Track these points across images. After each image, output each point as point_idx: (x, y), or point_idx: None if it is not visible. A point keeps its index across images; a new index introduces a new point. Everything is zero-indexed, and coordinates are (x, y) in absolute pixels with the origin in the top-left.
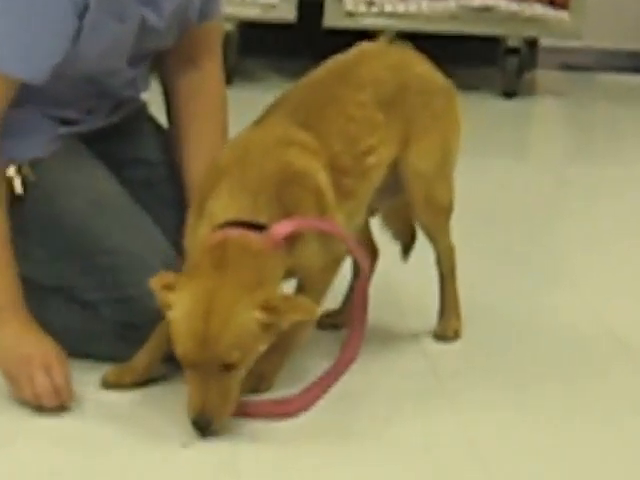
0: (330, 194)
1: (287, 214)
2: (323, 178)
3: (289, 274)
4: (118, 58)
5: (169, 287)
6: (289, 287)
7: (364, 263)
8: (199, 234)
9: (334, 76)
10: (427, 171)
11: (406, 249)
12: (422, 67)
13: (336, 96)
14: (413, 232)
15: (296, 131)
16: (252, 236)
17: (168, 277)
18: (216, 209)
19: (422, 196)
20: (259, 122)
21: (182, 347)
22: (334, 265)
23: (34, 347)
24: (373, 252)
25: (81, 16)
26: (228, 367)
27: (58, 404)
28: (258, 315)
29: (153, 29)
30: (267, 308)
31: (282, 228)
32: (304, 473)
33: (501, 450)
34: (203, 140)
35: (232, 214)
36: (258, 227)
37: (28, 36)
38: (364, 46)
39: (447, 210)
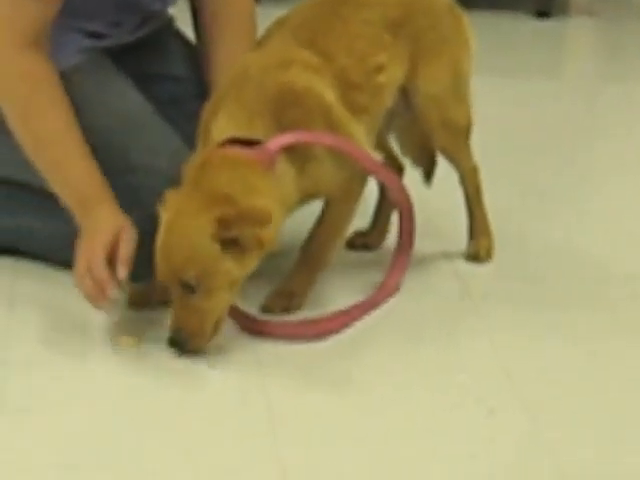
0: (339, 111)
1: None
2: (329, 95)
3: (309, 196)
4: None
5: (163, 203)
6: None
7: (387, 180)
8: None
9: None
10: (439, 94)
11: (427, 174)
12: None
13: (341, 15)
14: (432, 156)
15: (298, 50)
16: (240, 151)
17: (168, 193)
18: (214, 130)
19: (437, 119)
20: (260, 43)
21: (155, 264)
22: (355, 184)
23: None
24: (398, 169)
25: None
26: (188, 287)
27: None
28: (210, 229)
29: None
30: (221, 221)
31: (277, 141)
32: (331, 395)
33: (534, 372)
34: (231, 54)
35: (228, 134)
36: (254, 144)
37: None
38: None
39: (465, 131)
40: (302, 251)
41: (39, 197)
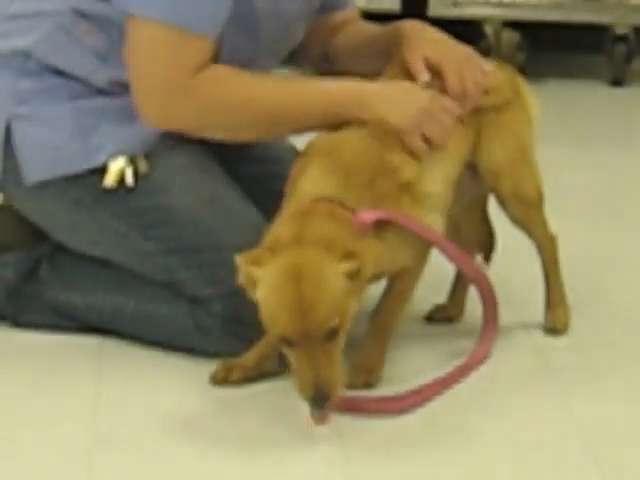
0: (420, 191)
1: (376, 203)
2: (414, 173)
3: (381, 272)
4: (254, 41)
5: (256, 262)
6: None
7: (461, 265)
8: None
9: None
10: (502, 165)
11: (487, 254)
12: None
13: None
14: (492, 236)
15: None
16: (339, 210)
17: (255, 252)
18: (306, 186)
19: (505, 191)
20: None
21: (281, 324)
22: (421, 258)
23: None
24: (487, 242)
25: None
26: (332, 333)
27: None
28: (343, 267)
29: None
30: (347, 256)
31: (369, 214)
32: (416, 469)
33: (615, 446)
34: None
35: (322, 191)
36: (347, 209)
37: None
38: None
39: (536, 202)
40: (372, 324)
41: (126, 276)
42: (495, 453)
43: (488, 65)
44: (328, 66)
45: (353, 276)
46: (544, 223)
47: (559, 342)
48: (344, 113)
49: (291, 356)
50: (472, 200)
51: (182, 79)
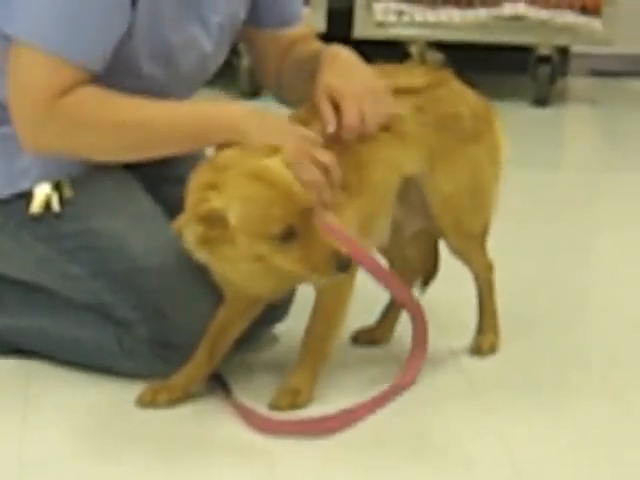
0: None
1: None
2: None
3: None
4: (172, 72)
5: (213, 187)
6: None
7: (390, 288)
8: None
9: None
10: (454, 195)
11: (427, 280)
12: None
13: None
14: (436, 264)
15: None
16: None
17: (201, 194)
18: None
19: (448, 223)
20: None
21: (280, 216)
22: (346, 286)
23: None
24: (429, 270)
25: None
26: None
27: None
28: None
29: (202, 49)
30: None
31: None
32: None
33: (540, 465)
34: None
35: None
36: None
37: (82, 23)
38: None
39: (478, 236)
40: (303, 347)
41: (53, 299)
42: (426, 470)
43: (390, 99)
44: (283, 94)
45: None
46: (483, 254)
47: (485, 364)
48: (215, 138)
49: (294, 251)
50: (424, 227)
51: (48, 101)
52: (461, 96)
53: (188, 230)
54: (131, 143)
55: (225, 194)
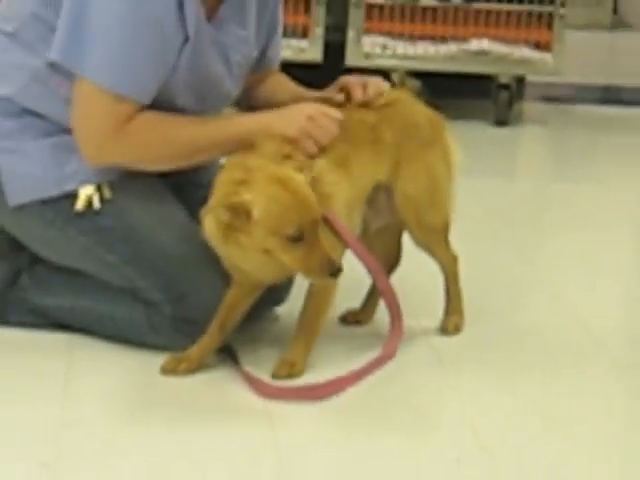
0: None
1: None
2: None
3: None
4: (196, 98)
5: (243, 184)
6: None
7: (369, 266)
8: None
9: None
10: (415, 195)
11: (390, 269)
12: (410, 106)
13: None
14: (398, 256)
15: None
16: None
17: (231, 189)
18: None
19: (412, 219)
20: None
21: (296, 218)
22: None
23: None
24: (392, 260)
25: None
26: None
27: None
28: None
29: (225, 85)
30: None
31: (331, 215)
32: (336, 447)
33: (496, 428)
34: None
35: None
36: None
37: (144, 61)
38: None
39: (440, 230)
40: (298, 325)
41: (92, 283)
42: (399, 430)
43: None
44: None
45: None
46: (446, 246)
47: (452, 341)
48: (251, 138)
49: (298, 252)
50: (389, 223)
51: (115, 128)
52: (416, 108)
53: (213, 216)
54: (181, 154)
55: (253, 191)
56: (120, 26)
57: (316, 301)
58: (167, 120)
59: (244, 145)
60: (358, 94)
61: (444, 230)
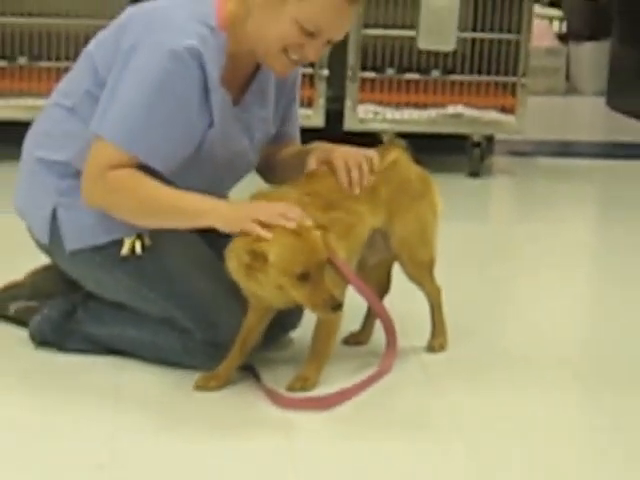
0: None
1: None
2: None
3: None
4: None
5: (259, 240)
6: None
7: (368, 298)
8: None
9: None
10: (408, 237)
11: (381, 297)
12: (402, 164)
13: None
14: (388, 285)
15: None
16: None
17: (251, 239)
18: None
19: (406, 257)
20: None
21: (304, 262)
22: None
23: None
24: (384, 289)
25: (205, 130)
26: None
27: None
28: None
29: (248, 156)
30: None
31: (339, 262)
32: (337, 445)
33: (481, 431)
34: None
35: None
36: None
37: (151, 130)
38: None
39: (427, 266)
40: (311, 348)
41: (137, 315)
42: (394, 434)
43: (370, 152)
44: (267, 175)
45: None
46: (432, 279)
47: (437, 358)
48: (204, 222)
49: (305, 289)
50: (383, 258)
51: (102, 171)
52: (409, 166)
53: (236, 256)
54: (146, 212)
55: (270, 239)
56: (142, 100)
57: (325, 327)
58: (144, 178)
59: (198, 222)
60: (343, 180)
61: (430, 266)
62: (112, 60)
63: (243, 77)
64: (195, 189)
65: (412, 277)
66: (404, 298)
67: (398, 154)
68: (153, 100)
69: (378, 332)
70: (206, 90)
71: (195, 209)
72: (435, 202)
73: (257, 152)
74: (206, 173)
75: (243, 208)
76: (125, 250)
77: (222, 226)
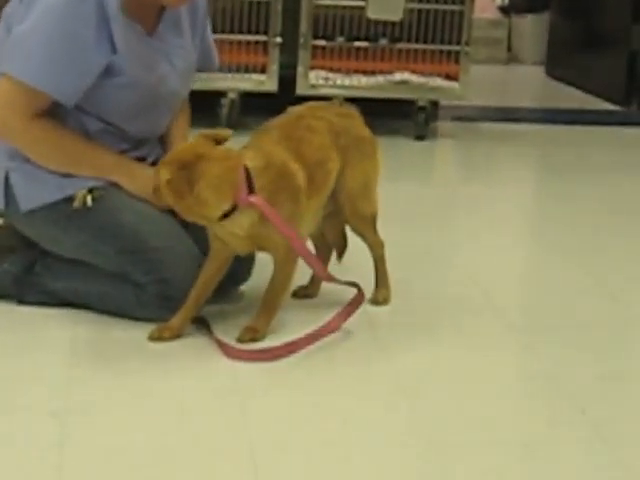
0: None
1: (272, 196)
2: (302, 182)
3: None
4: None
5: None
6: None
7: (313, 265)
8: None
9: (298, 120)
10: (354, 191)
11: (340, 254)
12: (358, 122)
13: (304, 138)
14: (345, 242)
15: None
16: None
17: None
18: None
19: (349, 210)
20: (251, 143)
21: None
22: (292, 255)
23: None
24: (342, 245)
25: (107, 57)
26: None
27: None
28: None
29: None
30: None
31: (255, 199)
32: (285, 393)
33: (418, 376)
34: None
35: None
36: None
37: (62, 65)
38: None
39: (370, 218)
40: (262, 300)
41: (91, 269)
42: (336, 380)
43: None
44: None
45: None
46: (375, 233)
47: (381, 310)
48: (108, 178)
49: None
50: (333, 213)
51: (26, 116)
52: (363, 126)
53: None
54: (64, 163)
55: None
56: (43, 38)
57: (278, 280)
58: (65, 131)
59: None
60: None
61: (373, 219)
62: (19, 10)
63: (152, 10)
64: (135, 118)
65: (355, 229)
66: (349, 253)
67: (355, 112)
68: (52, 38)
69: (327, 287)
70: (105, 19)
71: (104, 165)
72: (379, 165)
73: (184, 79)
74: (136, 99)
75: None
76: (77, 203)
77: (128, 187)
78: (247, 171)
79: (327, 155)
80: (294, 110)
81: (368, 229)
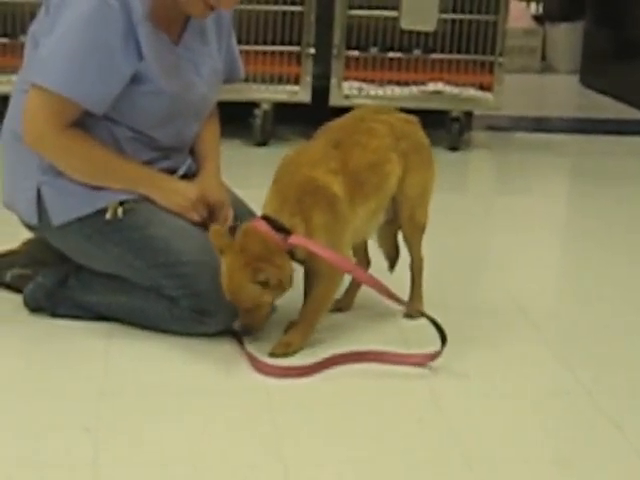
0: (343, 204)
1: (304, 214)
2: (339, 190)
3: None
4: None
5: (220, 250)
6: None
7: (362, 278)
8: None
9: (360, 122)
10: (413, 197)
11: (392, 264)
12: (419, 129)
13: (359, 142)
14: (397, 251)
15: (328, 157)
16: (271, 232)
17: (222, 241)
18: (265, 204)
19: (406, 216)
20: (305, 146)
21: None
22: (335, 277)
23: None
24: (367, 262)
25: (134, 65)
26: (250, 308)
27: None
28: (256, 284)
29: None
30: (255, 270)
31: (298, 239)
32: (317, 405)
33: (453, 395)
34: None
35: (268, 211)
36: (283, 228)
37: (91, 74)
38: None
39: (422, 227)
40: (300, 314)
41: (125, 283)
42: (370, 395)
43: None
44: None
45: (264, 285)
46: (420, 248)
47: (415, 324)
48: (138, 191)
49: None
50: (389, 220)
51: (57, 126)
52: (422, 134)
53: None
54: (93, 176)
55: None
56: (72, 47)
57: (319, 297)
58: (96, 142)
59: (139, 190)
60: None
61: (424, 229)
62: (45, 24)
63: (178, 20)
64: (162, 125)
65: (407, 237)
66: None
67: (415, 119)
68: (80, 47)
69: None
70: (132, 27)
71: (136, 180)
72: (435, 175)
73: (211, 86)
74: (164, 106)
75: (180, 202)
76: (108, 215)
77: (159, 201)
78: (267, 218)
79: (384, 157)
80: (357, 112)
81: (418, 239)
